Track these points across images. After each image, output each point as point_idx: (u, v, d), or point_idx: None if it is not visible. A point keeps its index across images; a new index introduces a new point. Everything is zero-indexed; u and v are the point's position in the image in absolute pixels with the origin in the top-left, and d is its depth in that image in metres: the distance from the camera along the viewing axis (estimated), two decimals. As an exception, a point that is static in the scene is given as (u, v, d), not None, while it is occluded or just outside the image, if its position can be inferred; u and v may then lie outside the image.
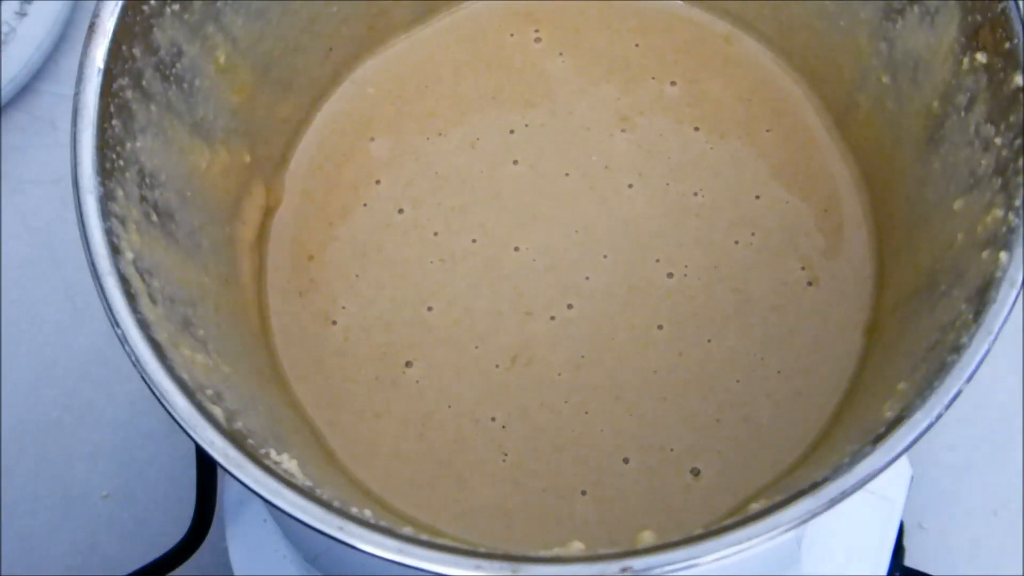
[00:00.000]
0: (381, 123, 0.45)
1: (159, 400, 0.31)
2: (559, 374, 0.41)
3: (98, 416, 0.53)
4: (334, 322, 0.42)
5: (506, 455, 0.40)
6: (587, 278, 0.42)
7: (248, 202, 0.43)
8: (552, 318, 0.41)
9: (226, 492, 0.45)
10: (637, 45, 0.46)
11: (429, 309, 0.42)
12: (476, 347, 0.41)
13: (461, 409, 0.41)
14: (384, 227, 0.43)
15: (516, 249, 0.43)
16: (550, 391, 0.41)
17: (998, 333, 0.31)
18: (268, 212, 0.44)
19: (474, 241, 0.43)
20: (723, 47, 0.46)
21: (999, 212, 0.33)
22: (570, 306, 0.42)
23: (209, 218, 0.39)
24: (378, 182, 0.44)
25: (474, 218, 0.43)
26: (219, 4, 0.39)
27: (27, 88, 0.59)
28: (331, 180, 0.44)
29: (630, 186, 0.43)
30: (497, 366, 0.41)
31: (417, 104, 0.45)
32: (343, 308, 0.42)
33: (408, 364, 0.41)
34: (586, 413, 0.40)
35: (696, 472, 0.39)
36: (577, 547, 0.33)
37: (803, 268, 0.42)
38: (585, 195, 0.43)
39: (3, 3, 0.57)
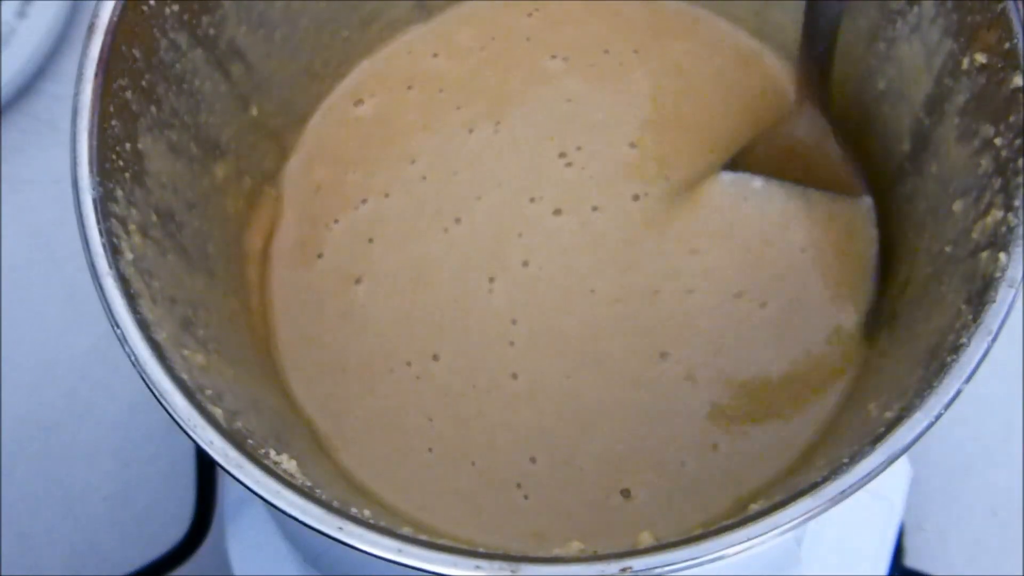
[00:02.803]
0: (382, 125, 0.45)
1: (159, 400, 0.31)
2: (567, 377, 0.41)
3: (98, 416, 0.53)
4: (336, 324, 0.42)
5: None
6: (592, 291, 0.42)
7: (257, 210, 0.43)
8: (551, 330, 0.41)
9: (226, 492, 0.45)
10: (636, 51, 0.46)
11: (429, 311, 0.42)
12: (478, 350, 0.41)
13: (461, 410, 0.41)
14: (387, 230, 0.43)
15: (525, 264, 0.42)
16: (552, 400, 0.41)
17: (997, 333, 0.31)
18: (275, 217, 0.44)
19: (475, 246, 0.43)
20: (723, 49, 0.46)
21: (998, 213, 0.33)
22: (571, 314, 0.42)
23: (216, 224, 0.40)
24: (381, 182, 0.44)
25: (476, 221, 0.43)
26: (220, 6, 0.39)
27: (27, 88, 0.59)
28: (335, 182, 0.44)
29: (634, 196, 0.43)
30: (499, 366, 0.41)
31: (417, 104, 0.45)
32: (345, 310, 0.42)
33: (409, 364, 0.41)
34: (589, 415, 0.40)
35: (688, 470, 0.39)
36: (577, 547, 0.33)
37: (802, 268, 0.42)
38: (582, 202, 0.43)
39: (3, 3, 0.57)
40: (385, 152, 0.45)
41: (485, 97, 0.46)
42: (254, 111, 0.42)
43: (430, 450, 0.40)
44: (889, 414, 0.31)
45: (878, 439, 0.30)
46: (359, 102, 0.46)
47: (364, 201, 0.44)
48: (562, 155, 0.44)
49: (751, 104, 0.45)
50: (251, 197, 0.43)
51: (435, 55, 0.46)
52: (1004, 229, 0.33)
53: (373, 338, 0.42)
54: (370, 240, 0.43)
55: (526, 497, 0.39)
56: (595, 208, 0.43)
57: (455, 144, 0.45)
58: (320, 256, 0.43)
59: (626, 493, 0.39)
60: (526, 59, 0.46)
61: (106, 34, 0.34)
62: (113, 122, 0.34)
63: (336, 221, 0.44)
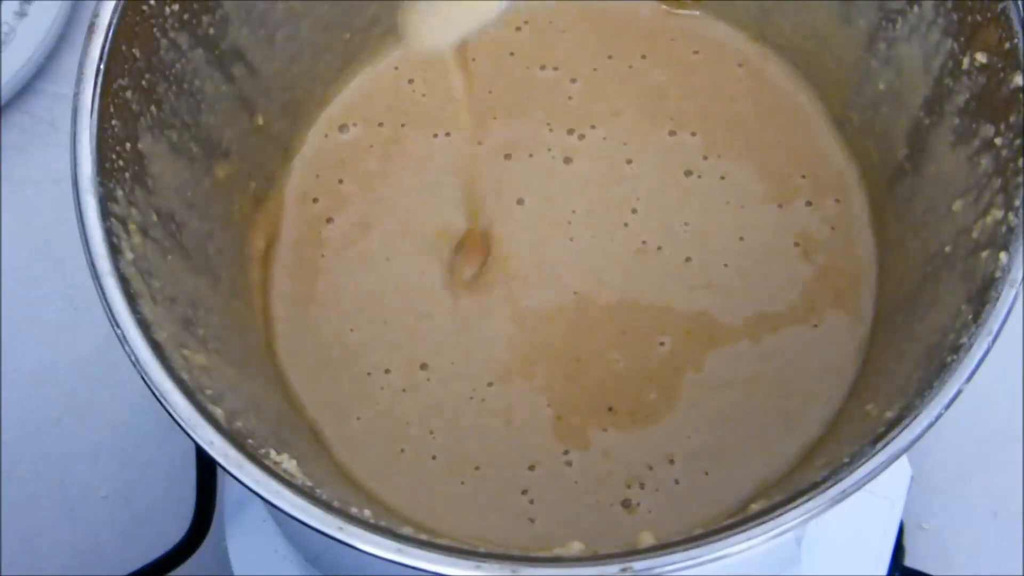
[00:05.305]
0: (383, 124, 0.45)
1: (159, 400, 0.31)
2: (570, 378, 0.41)
3: (98, 416, 0.53)
4: (337, 326, 0.42)
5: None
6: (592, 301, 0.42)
7: (260, 212, 0.43)
8: (563, 340, 0.41)
9: (226, 492, 0.45)
10: (644, 56, 0.46)
11: (429, 314, 0.42)
12: (475, 351, 0.41)
13: (461, 411, 0.41)
14: (390, 232, 0.43)
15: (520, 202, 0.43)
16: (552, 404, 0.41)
17: (998, 333, 0.31)
18: (278, 219, 0.44)
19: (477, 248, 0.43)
20: (725, 51, 0.46)
21: (999, 212, 0.33)
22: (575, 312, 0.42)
23: (218, 225, 0.39)
24: (382, 185, 0.44)
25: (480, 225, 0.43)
26: (220, 6, 0.39)
27: (27, 88, 0.59)
28: (338, 184, 0.44)
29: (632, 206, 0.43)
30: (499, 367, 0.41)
31: (420, 105, 0.45)
32: (346, 312, 0.42)
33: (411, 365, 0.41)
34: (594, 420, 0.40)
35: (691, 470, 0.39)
36: (577, 547, 0.33)
37: (804, 268, 0.42)
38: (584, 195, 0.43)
39: (3, 3, 0.57)
40: (388, 149, 0.45)
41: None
42: (259, 119, 0.42)
43: (433, 458, 0.40)
44: (889, 414, 0.31)
45: (878, 439, 0.30)
46: (360, 97, 0.46)
47: (369, 209, 0.44)
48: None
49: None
50: (255, 199, 0.42)
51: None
52: (1004, 229, 0.33)
53: (373, 340, 0.42)
54: (372, 245, 0.43)
55: (532, 502, 0.39)
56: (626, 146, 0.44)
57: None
58: (320, 260, 0.43)
59: (626, 503, 0.39)
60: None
61: (106, 34, 0.34)
62: (113, 122, 0.34)
63: (336, 228, 0.44)
